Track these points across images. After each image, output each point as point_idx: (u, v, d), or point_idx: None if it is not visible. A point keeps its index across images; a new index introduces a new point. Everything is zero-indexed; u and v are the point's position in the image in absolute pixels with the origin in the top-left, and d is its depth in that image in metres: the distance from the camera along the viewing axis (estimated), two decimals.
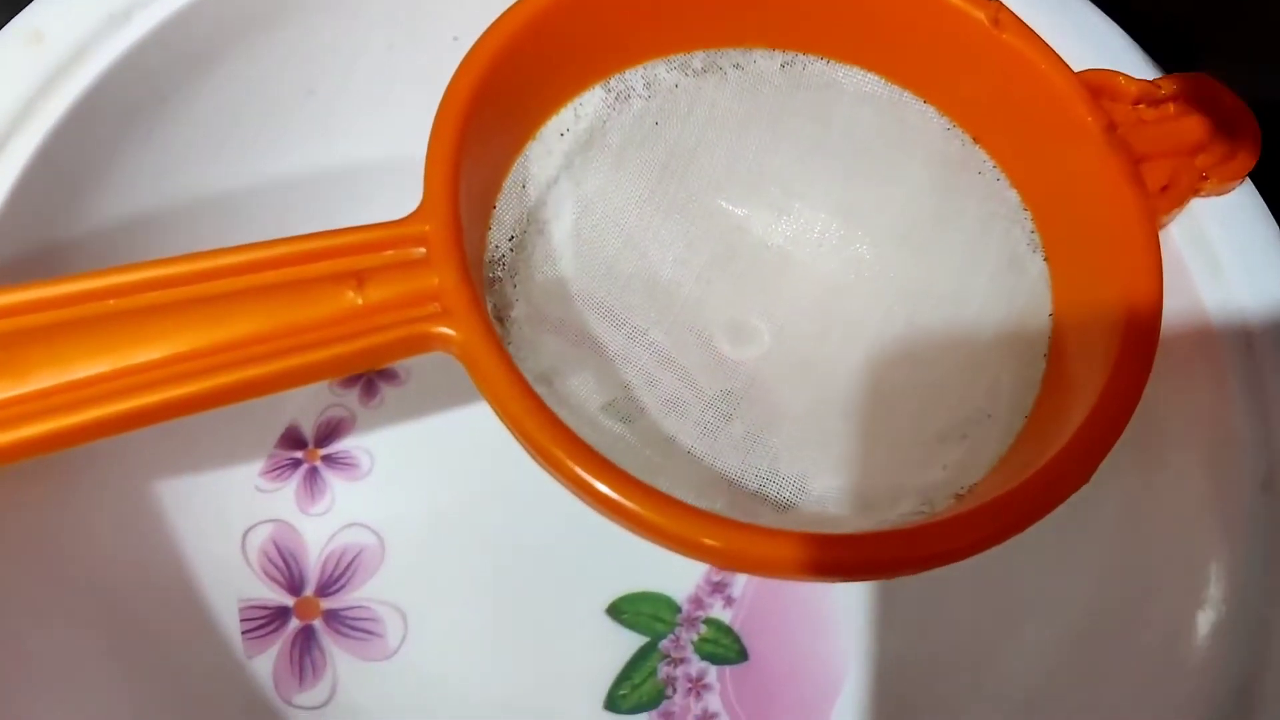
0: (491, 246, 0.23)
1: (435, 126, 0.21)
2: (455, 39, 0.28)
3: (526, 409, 0.19)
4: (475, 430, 0.28)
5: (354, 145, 0.28)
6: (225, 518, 0.27)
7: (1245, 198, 0.25)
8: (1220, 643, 0.22)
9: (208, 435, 0.27)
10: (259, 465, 0.28)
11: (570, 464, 0.19)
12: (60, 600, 0.23)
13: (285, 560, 0.27)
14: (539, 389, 0.20)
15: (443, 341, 0.20)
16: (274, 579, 0.26)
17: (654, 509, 0.19)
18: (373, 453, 0.28)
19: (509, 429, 0.19)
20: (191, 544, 0.26)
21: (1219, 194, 0.24)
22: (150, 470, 0.26)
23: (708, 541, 0.19)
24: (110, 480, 0.25)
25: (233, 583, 0.26)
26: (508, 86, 0.23)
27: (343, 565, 0.27)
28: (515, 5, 0.22)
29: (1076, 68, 0.24)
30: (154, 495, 0.26)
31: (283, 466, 0.28)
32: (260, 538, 0.27)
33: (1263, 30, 0.30)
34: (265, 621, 0.26)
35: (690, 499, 0.19)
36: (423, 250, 0.21)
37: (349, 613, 0.26)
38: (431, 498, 0.27)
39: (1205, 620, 0.23)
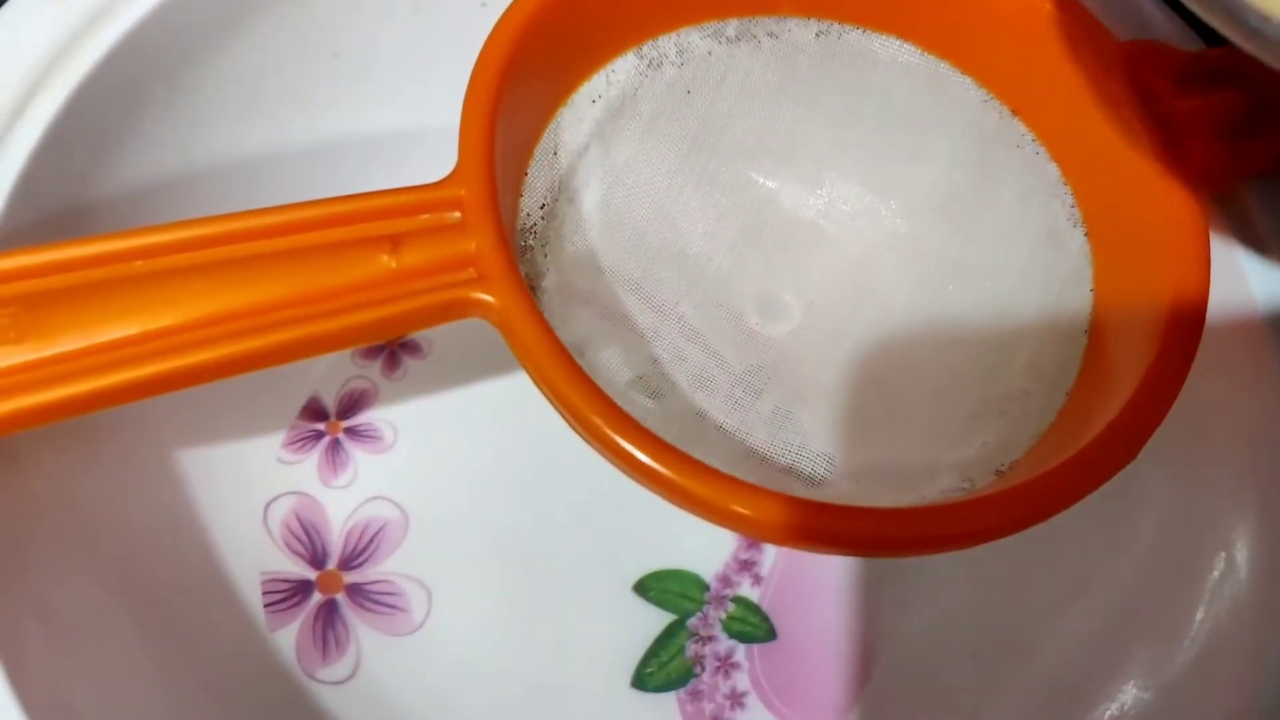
0: (523, 214, 0.23)
1: (470, 89, 0.21)
2: (483, 4, 0.28)
3: (565, 375, 0.19)
4: (500, 402, 0.27)
5: (379, 109, 0.28)
6: (247, 489, 0.26)
7: None
8: (1259, 632, 0.22)
9: (229, 406, 0.26)
10: (281, 437, 0.27)
11: (609, 431, 0.18)
12: (85, 567, 0.23)
13: (308, 533, 0.26)
14: None
15: (480, 307, 0.20)
16: (296, 552, 0.26)
17: (693, 476, 0.18)
18: (396, 425, 0.28)
19: (547, 395, 0.19)
20: (214, 515, 0.26)
21: (1266, 173, 0.24)
22: (173, 440, 0.26)
23: (742, 510, 0.18)
24: (134, 449, 0.25)
25: (255, 555, 0.26)
26: (542, 50, 0.22)
27: (366, 539, 0.26)
28: None
29: (1119, 39, 0.24)
30: (176, 465, 0.26)
31: (305, 438, 0.27)
32: (282, 510, 0.26)
33: None
34: (288, 595, 0.26)
35: None
36: (458, 215, 0.20)
37: (372, 587, 0.26)
38: (455, 471, 0.27)
39: (1243, 609, 0.22)
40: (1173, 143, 0.22)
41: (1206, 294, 0.21)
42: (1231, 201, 0.24)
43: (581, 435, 0.19)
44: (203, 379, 0.20)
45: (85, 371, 0.19)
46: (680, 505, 0.19)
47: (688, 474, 0.18)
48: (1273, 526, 0.23)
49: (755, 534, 0.23)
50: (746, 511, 0.18)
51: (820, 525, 0.18)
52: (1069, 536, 0.25)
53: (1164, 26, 0.26)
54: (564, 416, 0.19)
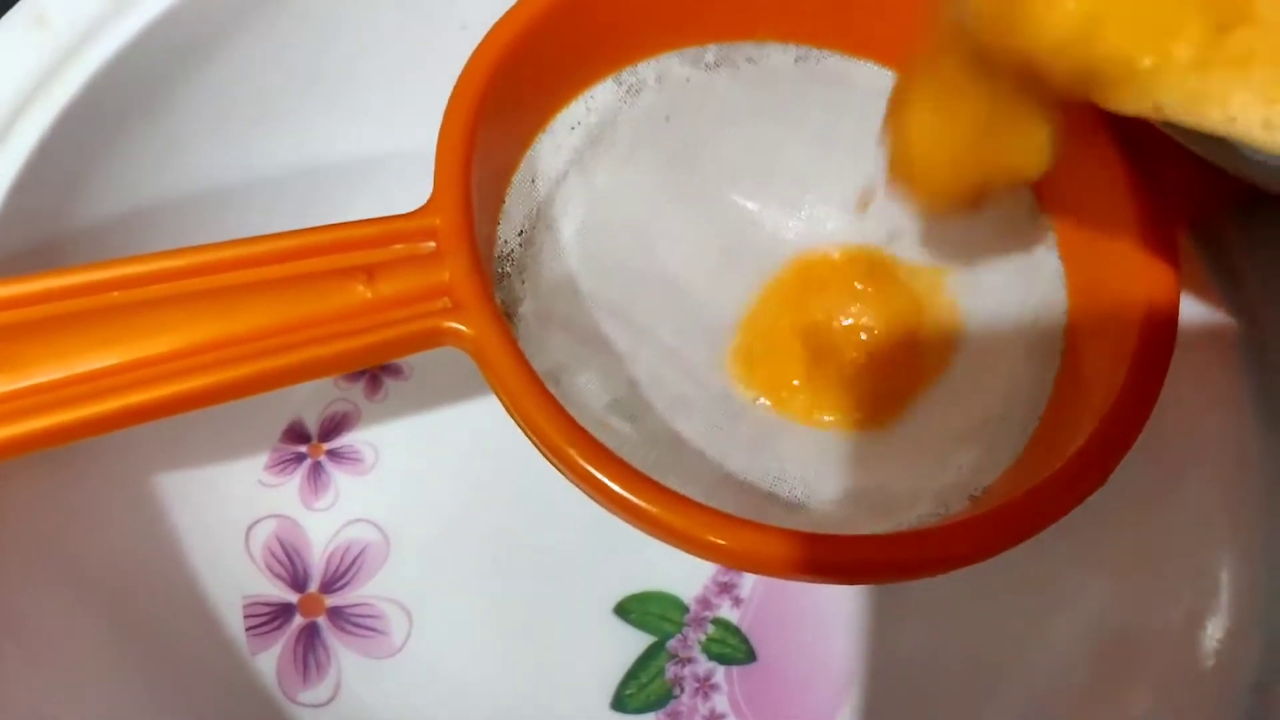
0: (501, 241, 0.23)
1: (446, 119, 0.21)
2: (463, 26, 0.28)
3: (537, 405, 0.19)
4: (481, 426, 0.28)
5: (359, 132, 0.28)
6: (228, 513, 0.27)
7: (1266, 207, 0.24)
8: (1233, 651, 0.22)
9: (211, 430, 0.26)
10: (262, 460, 0.27)
11: (581, 461, 0.19)
12: (66, 591, 0.23)
13: (289, 556, 0.26)
14: (548, 387, 0.20)
15: (454, 337, 0.20)
16: (278, 575, 0.26)
17: (667, 508, 0.18)
18: (377, 448, 0.28)
19: (520, 425, 0.19)
20: (195, 539, 0.26)
21: (1239, 202, 0.24)
22: (154, 464, 0.26)
23: (717, 540, 0.19)
24: (115, 473, 0.25)
25: (236, 579, 0.26)
26: (519, 78, 0.23)
27: (347, 561, 0.27)
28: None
29: None
30: (158, 489, 0.26)
31: (286, 461, 0.27)
32: (264, 533, 0.27)
33: None
34: (269, 618, 0.26)
35: (699, 499, 0.19)
36: (432, 244, 0.20)
37: (353, 610, 0.26)
38: (436, 494, 0.27)
39: (1218, 627, 0.23)
40: (1148, 170, 0.23)
41: (1175, 320, 0.21)
42: (1206, 228, 0.24)
43: (554, 464, 0.19)
44: (181, 409, 0.20)
45: (64, 402, 0.19)
46: (654, 535, 0.19)
47: (661, 504, 0.19)
48: (1242, 545, 0.23)
49: (729, 563, 0.23)
50: (721, 542, 0.19)
51: (786, 554, 0.18)
52: (1047, 559, 0.25)
53: None
54: (536, 446, 0.19)
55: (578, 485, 0.19)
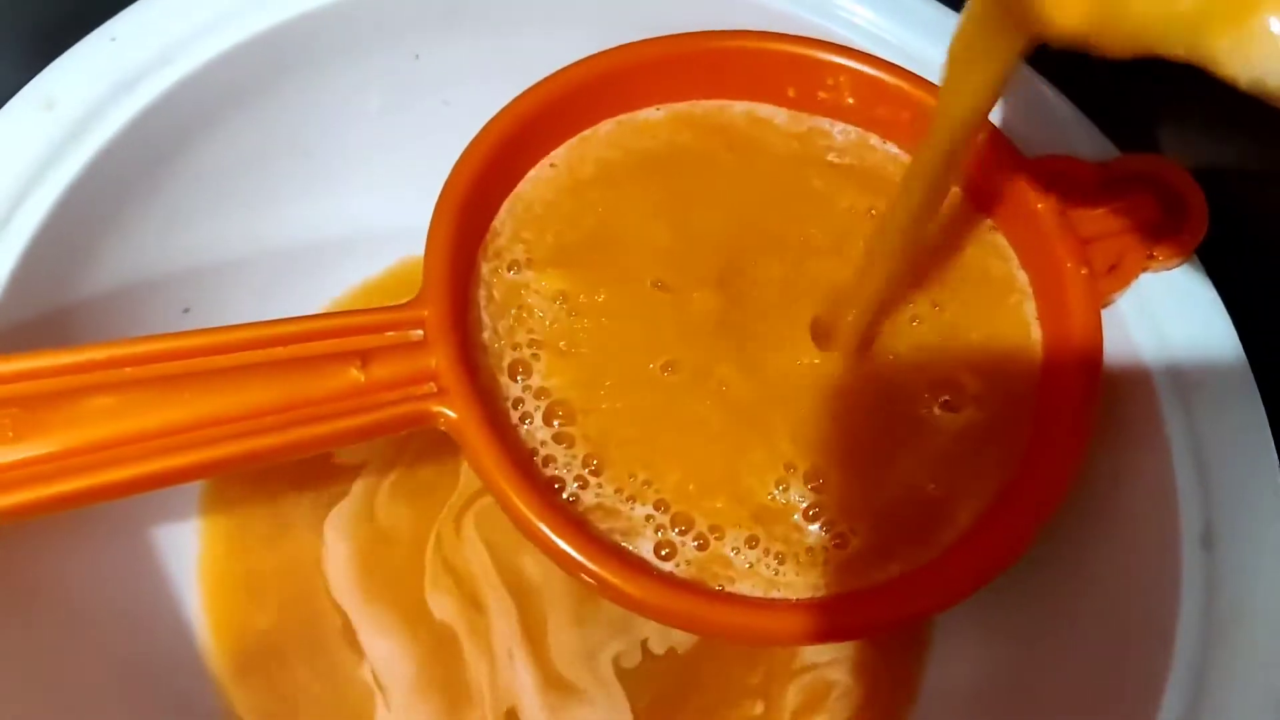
0: (487, 327, 0.26)
1: (434, 219, 0.24)
2: (445, 102, 0.31)
3: (512, 486, 0.22)
4: None
5: (349, 203, 0.31)
6: None
7: (1189, 267, 0.27)
8: (1162, 699, 0.23)
9: None
10: None
11: (552, 537, 0.21)
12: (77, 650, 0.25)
13: None
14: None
15: (440, 419, 0.22)
16: None
17: (634, 583, 0.21)
18: None
19: (499, 504, 0.22)
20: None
21: (1166, 269, 0.27)
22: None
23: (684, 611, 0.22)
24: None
25: None
26: (499, 176, 0.25)
27: None
28: (510, 105, 0.25)
29: (1036, 149, 0.27)
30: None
31: None
32: None
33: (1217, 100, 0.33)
34: None
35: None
36: (420, 333, 0.23)
37: None
38: None
39: (1150, 675, 0.24)
40: (1077, 252, 0.26)
41: (1097, 396, 0.25)
42: (1136, 289, 0.27)
43: (529, 539, 0.22)
44: (187, 479, 0.22)
45: (78, 469, 0.22)
46: (627, 608, 0.22)
47: (643, 587, 0.22)
48: (1173, 593, 0.24)
49: (692, 630, 0.25)
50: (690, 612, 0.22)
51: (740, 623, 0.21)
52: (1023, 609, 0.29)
53: (1080, 132, 0.29)
54: (518, 527, 0.22)
55: (551, 559, 0.22)
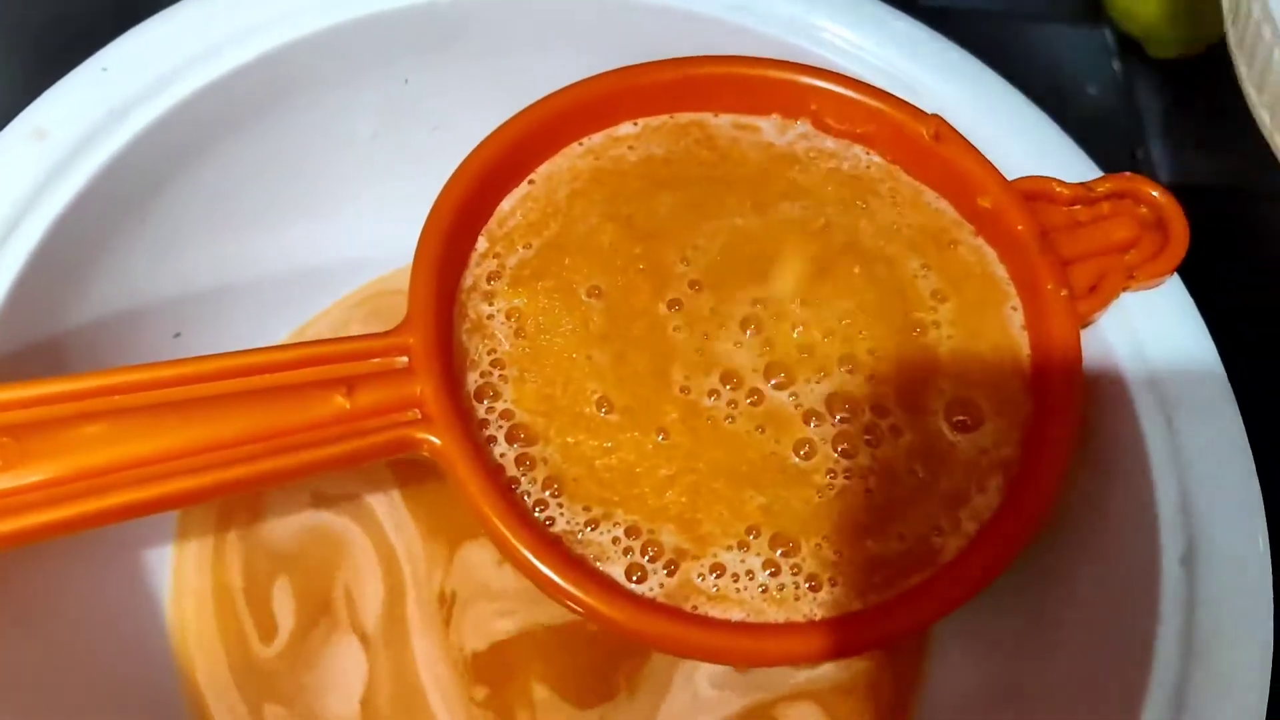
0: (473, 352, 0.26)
1: (419, 249, 0.24)
2: (435, 128, 0.31)
3: (494, 511, 0.22)
4: None
5: (340, 229, 0.31)
6: None
7: (1170, 285, 0.27)
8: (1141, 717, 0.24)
9: None
10: None
11: (542, 568, 0.22)
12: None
13: None
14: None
15: (424, 446, 0.23)
16: None
17: (610, 604, 0.22)
18: None
19: (484, 531, 0.22)
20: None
21: (1147, 289, 0.27)
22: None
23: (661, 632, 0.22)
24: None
25: None
26: (482, 201, 0.26)
27: None
28: (492, 135, 0.25)
29: (1020, 171, 0.28)
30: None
31: None
32: None
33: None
34: None
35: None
36: (405, 360, 0.23)
37: None
38: None
39: (1130, 693, 0.24)
40: (1058, 273, 0.26)
41: (1077, 420, 0.25)
42: (1118, 306, 0.27)
43: (520, 572, 0.22)
44: (175, 506, 0.23)
45: (68, 497, 0.22)
46: (605, 630, 0.22)
47: (618, 608, 0.22)
48: (1153, 611, 0.24)
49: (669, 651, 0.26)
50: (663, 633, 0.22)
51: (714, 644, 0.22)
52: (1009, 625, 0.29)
53: (1062, 153, 0.29)
54: (503, 554, 0.22)
55: (538, 586, 0.22)
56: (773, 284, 0.27)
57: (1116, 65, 0.39)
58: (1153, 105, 0.40)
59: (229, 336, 0.28)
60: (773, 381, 0.26)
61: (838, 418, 0.25)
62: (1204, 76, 0.37)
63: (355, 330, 0.32)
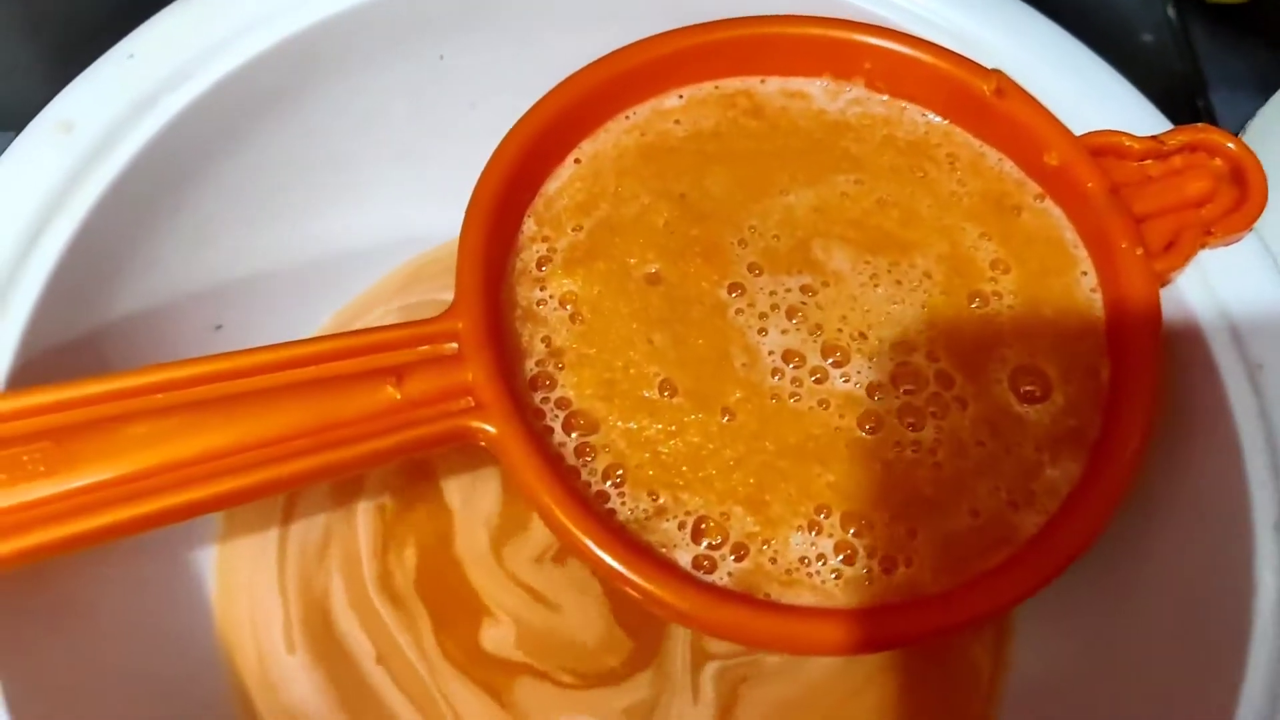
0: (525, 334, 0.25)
1: (464, 228, 0.23)
2: (472, 105, 0.30)
3: (555, 500, 0.21)
4: None
5: (379, 213, 0.30)
6: None
7: (1250, 243, 0.26)
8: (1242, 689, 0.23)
9: None
10: None
11: (604, 556, 0.21)
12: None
13: None
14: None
15: (479, 435, 0.22)
16: None
17: (699, 601, 0.21)
18: None
19: (543, 520, 0.21)
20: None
21: (1225, 245, 0.26)
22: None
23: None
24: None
25: None
26: (527, 178, 0.25)
27: None
28: (535, 107, 0.24)
29: (1086, 125, 0.26)
30: None
31: None
32: None
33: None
34: None
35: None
36: (455, 346, 0.22)
37: None
38: None
39: (1229, 668, 0.23)
40: (1131, 230, 0.25)
41: (1157, 382, 0.24)
42: (1196, 265, 0.26)
43: (580, 560, 0.21)
44: (222, 506, 0.22)
45: (112, 502, 0.21)
46: (665, 618, 0.21)
47: (688, 598, 0.21)
48: (1248, 579, 0.24)
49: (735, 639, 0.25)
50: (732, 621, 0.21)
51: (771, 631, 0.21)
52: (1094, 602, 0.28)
53: (1132, 108, 0.27)
54: (562, 543, 0.21)
55: (597, 574, 0.21)
56: (828, 264, 0.26)
57: (1171, 10, 0.38)
58: (1210, 51, 0.38)
59: (271, 324, 0.28)
60: (830, 359, 0.25)
61: (902, 390, 0.25)
62: (1262, 17, 0.36)
63: (399, 308, 0.32)
